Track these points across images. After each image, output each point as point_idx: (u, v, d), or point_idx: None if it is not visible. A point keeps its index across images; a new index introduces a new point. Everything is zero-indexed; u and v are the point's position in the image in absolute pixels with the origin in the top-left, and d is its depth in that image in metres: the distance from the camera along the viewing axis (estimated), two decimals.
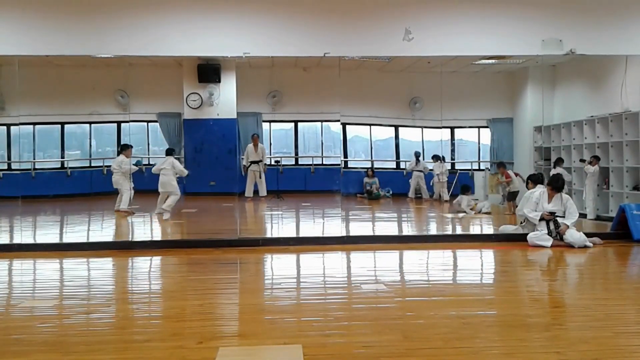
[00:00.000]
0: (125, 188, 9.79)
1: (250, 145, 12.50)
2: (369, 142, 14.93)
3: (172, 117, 13.92)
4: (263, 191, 12.27)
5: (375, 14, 8.15)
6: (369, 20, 8.15)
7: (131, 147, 10.10)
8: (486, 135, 14.33)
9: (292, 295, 4.90)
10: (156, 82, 13.89)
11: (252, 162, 12.30)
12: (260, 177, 12.23)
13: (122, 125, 14.29)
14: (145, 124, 14.28)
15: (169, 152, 10.14)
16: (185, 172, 9.81)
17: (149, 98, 14.01)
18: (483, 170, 13.82)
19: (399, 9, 8.20)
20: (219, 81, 13.12)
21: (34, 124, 12.92)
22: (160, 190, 9.69)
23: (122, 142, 13.97)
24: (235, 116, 13.57)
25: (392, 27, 8.12)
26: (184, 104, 13.23)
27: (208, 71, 12.87)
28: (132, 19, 7.93)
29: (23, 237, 8.10)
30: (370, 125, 14.71)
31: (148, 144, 13.76)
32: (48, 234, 8.90)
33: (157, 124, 14.09)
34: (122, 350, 3.43)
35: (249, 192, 12.03)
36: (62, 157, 13.32)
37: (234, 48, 8.19)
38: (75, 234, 9.16)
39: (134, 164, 9.95)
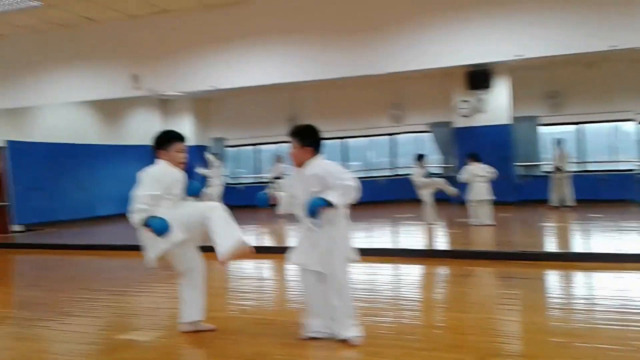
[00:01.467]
0: (425, 198, 9.80)
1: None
2: None
3: (443, 127, 14.02)
4: (567, 200, 11.74)
5: None
6: None
7: (424, 155, 10.23)
8: None
9: (583, 318, 4.38)
10: (426, 93, 14.18)
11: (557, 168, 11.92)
12: (564, 185, 11.83)
13: (396, 137, 15.05)
14: (416, 134, 14.71)
15: (476, 157, 9.70)
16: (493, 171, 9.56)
17: (420, 109, 14.41)
18: None
19: None
20: (489, 87, 12.68)
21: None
22: (478, 198, 9.46)
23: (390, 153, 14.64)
24: (508, 121, 12.95)
25: None
26: (454, 113, 13.17)
27: (477, 78, 12.55)
28: (400, 35, 8.09)
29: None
30: None
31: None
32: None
33: (428, 134, 14.35)
34: (403, 356, 3.53)
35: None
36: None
37: (504, 52, 7.80)
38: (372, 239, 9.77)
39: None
